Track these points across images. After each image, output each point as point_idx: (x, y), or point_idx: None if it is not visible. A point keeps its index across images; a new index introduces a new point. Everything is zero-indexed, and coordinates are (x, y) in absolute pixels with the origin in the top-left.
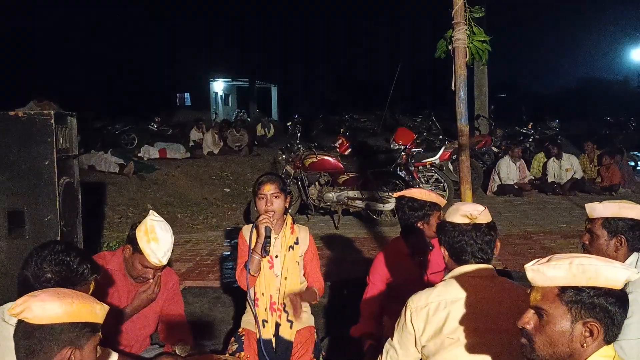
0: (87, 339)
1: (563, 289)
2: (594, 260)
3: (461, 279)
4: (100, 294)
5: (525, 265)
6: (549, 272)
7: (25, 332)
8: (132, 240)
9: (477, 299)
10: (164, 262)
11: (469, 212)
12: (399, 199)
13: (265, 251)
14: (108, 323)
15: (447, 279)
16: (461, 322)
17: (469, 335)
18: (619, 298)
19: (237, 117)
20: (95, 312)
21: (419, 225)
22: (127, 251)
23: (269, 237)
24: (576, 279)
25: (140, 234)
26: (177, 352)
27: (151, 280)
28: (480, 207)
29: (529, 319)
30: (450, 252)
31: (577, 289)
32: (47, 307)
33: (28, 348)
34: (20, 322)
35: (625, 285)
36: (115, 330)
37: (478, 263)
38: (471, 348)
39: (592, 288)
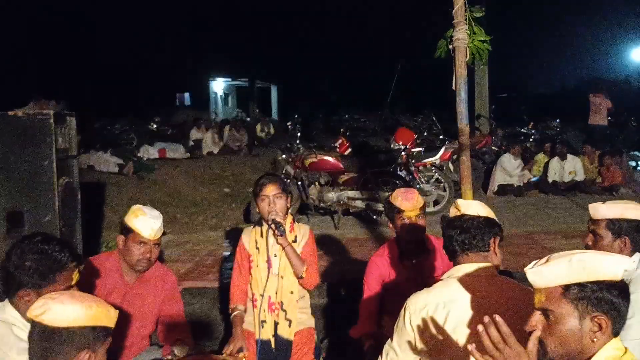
0: (101, 343)
1: (567, 287)
2: (591, 255)
3: (460, 279)
4: (95, 294)
5: (525, 269)
6: (550, 272)
7: (43, 334)
8: (122, 229)
9: (476, 298)
10: (156, 227)
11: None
12: None
13: (280, 232)
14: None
15: (445, 278)
16: (460, 323)
17: (468, 336)
18: (621, 289)
19: (236, 117)
20: (110, 316)
21: (390, 226)
22: (120, 242)
23: (279, 223)
24: (578, 276)
25: (127, 216)
26: (176, 352)
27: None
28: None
29: (536, 322)
30: (462, 242)
31: (581, 285)
32: (68, 310)
33: (45, 350)
34: (36, 324)
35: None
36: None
37: (482, 257)
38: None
39: (595, 283)
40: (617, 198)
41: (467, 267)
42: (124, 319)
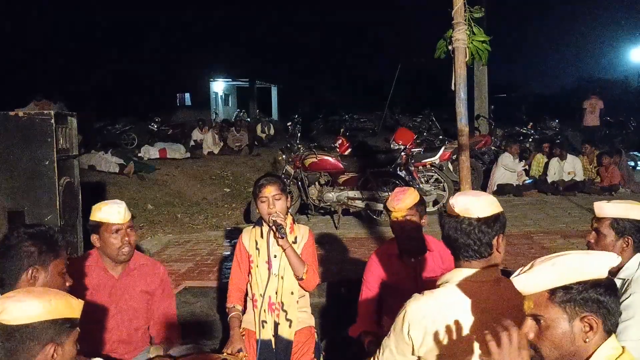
0: (67, 334)
1: (552, 292)
2: (573, 256)
3: (461, 286)
4: (82, 292)
5: (511, 278)
6: (534, 278)
7: (3, 334)
8: (92, 228)
9: (478, 308)
10: (122, 209)
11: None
12: None
13: (280, 234)
14: (95, 319)
15: (445, 283)
16: (461, 334)
17: (469, 349)
18: (607, 287)
19: (237, 117)
20: (72, 306)
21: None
22: (96, 241)
23: (280, 225)
24: (562, 279)
25: (92, 216)
26: (151, 350)
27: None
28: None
29: (528, 329)
30: (465, 248)
31: (566, 288)
32: (25, 306)
33: (9, 350)
34: None
35: (627, 285)
36: (103, 326)
37: (485, 261)
38: None
39: (579, 283)
40: (616, 198)
41: (468, 272)
42: (114, 312)
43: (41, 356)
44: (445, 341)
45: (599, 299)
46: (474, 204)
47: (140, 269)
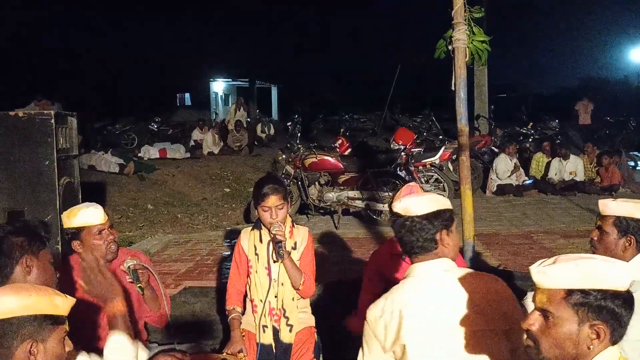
0: (49, 331)
1: (570, 292)
2: (599, 262)
3: (414, 280)
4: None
5: (530, 267)
6: (555, 274)
7: None
8: (71, 235)
9: (429, 297)
10: (100, 210)
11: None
12: None
13: (279, 255)
14: (86, 319)
15: (403, 280)
16: (414, 325)
17: (424, 341)
18: (626, 300)
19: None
20: (55, 303)
21: None
22: (78, 247)
23: (280, 242)
24: (583, 282)
25: (68, 222)
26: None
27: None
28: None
29: (534, 321)
30: (410, 245)
31: (584, 292)
32: (3, 301)
33: None
34: None
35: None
36: (96, 326)
37: (433, 255)
38: (430, 353)
39: (599, 291)
40: (617, 198)
41: (420, 267)
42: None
43: (20, 352)
44: (402, 336)
45: (615, 311)
46: (413, 203)
47: (121, 264)
